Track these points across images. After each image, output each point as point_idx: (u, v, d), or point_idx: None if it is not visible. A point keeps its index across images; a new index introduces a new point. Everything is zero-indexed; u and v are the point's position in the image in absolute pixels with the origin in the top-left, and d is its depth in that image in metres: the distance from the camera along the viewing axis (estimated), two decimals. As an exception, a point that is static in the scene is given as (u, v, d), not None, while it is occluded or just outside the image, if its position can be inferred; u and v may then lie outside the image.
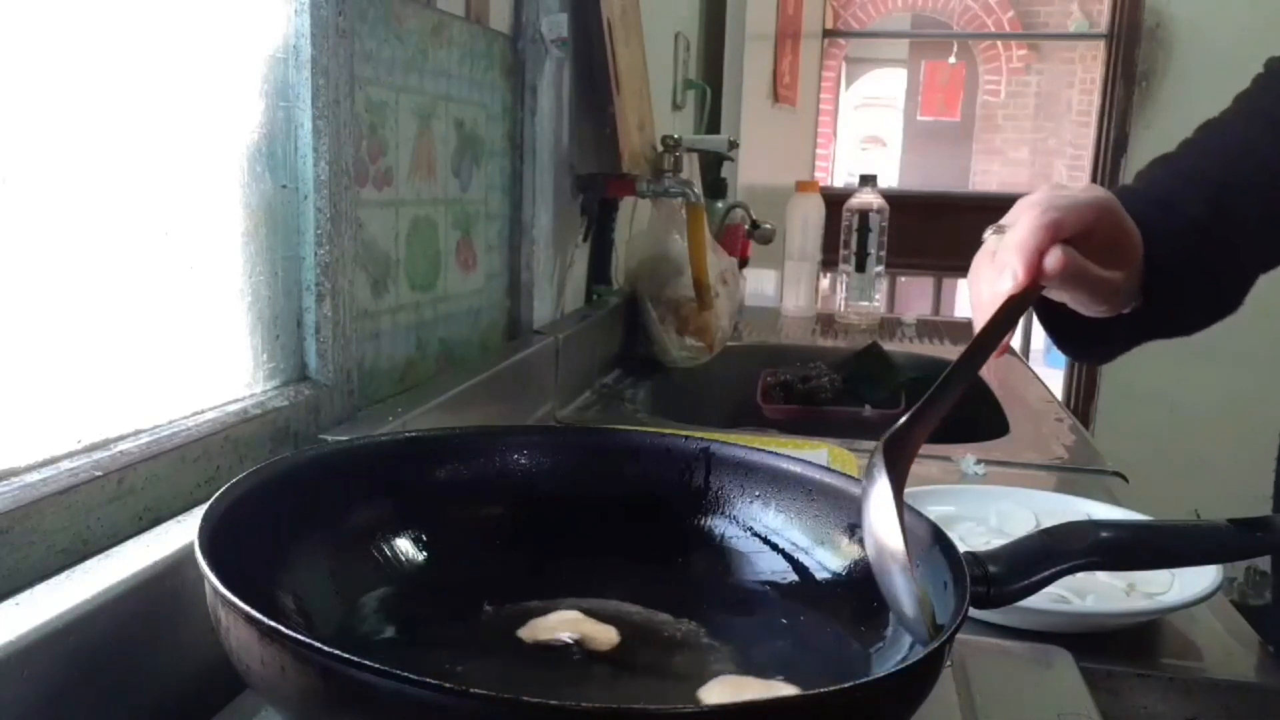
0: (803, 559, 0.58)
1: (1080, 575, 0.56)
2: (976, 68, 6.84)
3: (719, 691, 0.48)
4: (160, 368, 0.59)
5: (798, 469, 0.60)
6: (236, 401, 0.66)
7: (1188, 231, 0.65)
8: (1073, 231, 0.59)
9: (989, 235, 0.62)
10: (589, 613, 0.55)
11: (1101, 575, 0.72)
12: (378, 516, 0.57)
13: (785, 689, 0.47)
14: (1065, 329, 0.69)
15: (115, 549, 0.52)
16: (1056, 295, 0.63)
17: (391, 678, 0.34)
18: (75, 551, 0.50)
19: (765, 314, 2.12)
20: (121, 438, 0.56)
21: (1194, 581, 0.70)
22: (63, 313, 0.52)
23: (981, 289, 0.60)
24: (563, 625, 0.53)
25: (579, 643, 0.52)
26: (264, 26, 0.67)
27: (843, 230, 2.03)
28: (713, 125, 2.22)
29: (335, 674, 0.35)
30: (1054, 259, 0.57)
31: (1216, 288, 0.68)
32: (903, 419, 0.50)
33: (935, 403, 0.51)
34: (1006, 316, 0.57)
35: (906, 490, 0.81)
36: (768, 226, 1.97)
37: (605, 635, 0.52)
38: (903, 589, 0.46)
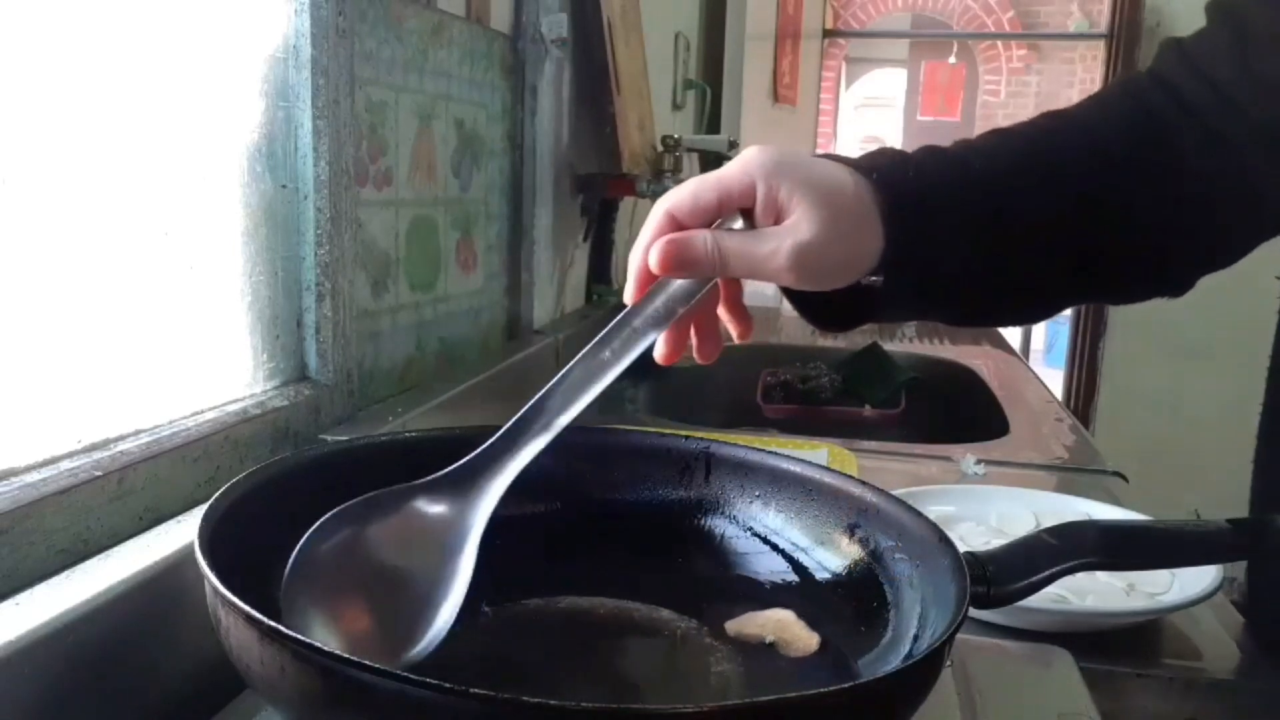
0: (803, 559, 0.58)
1: (1080, 575, 0.56)
2: (976, 68, 6.84)
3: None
4: (160, 368, 0.59)
5: (798, 469, 0.60)
6: (236, 401, 0.66)
7: (951, 185, 0.56)
8: (689, 215, 0.51)
9: None
10: (589, 612, 0.55)
11: (1101, 575, 0.72)
12: (378, 516, 0.57)
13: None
14: (804, 298, 0.58)
15: (115, 549, 0.52)
16: (743, 275, 0.53)
17: (391, 678, 0.34)
18: (75, 551, 0.50)
19: (765, 314, 2.12)
20: (121, 438, 0.56)
21: (1194, 581, 0.70)
22: (63, 313, 0.52)
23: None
24: (769, 625, 0.54)
25: (774, 645, 0.53)
26: (264, 26, 0.67)
27: (843, 230, 2.03)
28: (713, 125, 2.22)
29: (335, 674, 0.35)
30: (654, 257, 0.49)
31: (988, 268, 0.57)
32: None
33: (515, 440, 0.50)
34: (622, 333, 0.50)
35: (907, 490, 0.81)
36: (768, 226, 1.97)
37: (807, 641, 0.53)
38: None
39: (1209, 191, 0.60)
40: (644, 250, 0.50)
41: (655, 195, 1.37)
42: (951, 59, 6.72)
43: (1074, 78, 6.50)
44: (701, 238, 0.50)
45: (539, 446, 0.50)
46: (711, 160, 2.04)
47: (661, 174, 1.42)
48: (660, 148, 1.45)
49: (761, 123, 2.80)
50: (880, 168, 0.54)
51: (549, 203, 1.15)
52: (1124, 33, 3.05)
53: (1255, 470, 0.74)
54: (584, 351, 0.50)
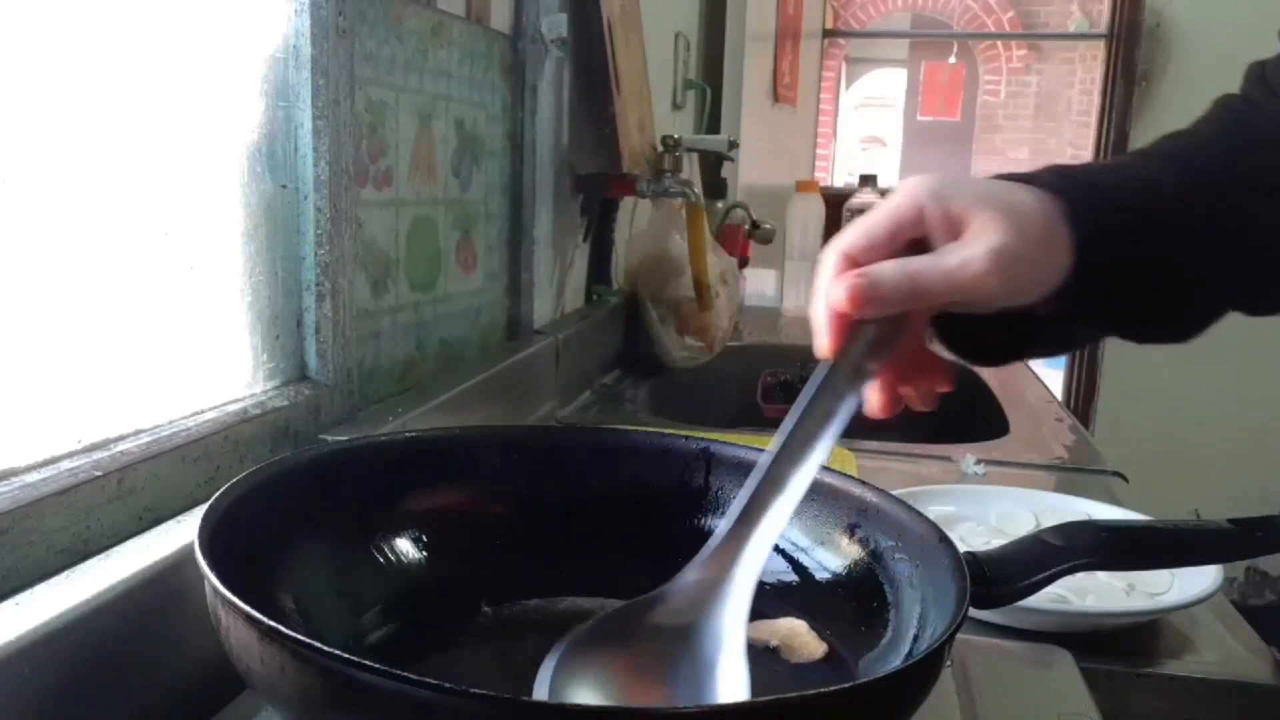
0: (803, 559, 0.58)
1: (1080, 575, 0.56)
2: (976, 68, 6.84)
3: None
4: (160, 368, 0.59)
5: (798, 469, 0.60)
6: (236, 401, 0.66)
7: (1149, 199, 0.52)
8: (865, 252, 0.48)
9: None
10: (589, 612, 0.55)
11: (1101, 575, 0.72)
12: (377, 516, 0.57)
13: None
14: (957, 331, 0.54)
15: (115, 549, 0.52)
16: (939, 306, 0.50)
17: (391, 678, 0.34)
18: (75, 551, 0.50)
19: (765, 314, 2.12)
20: (121, 438, 0.56)
21: (1194, 581, 0.70)
22: (63, 313, 0.52)
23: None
24: (779, 631, 0.54)
25: (778, 649, 0.53)
26: (264, 26, 0.67)
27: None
28: (713, 125, 2.22)
29: (335, 674, 0.35)
30: (839, 294, 0.46)
31: (1181, 277, 0.52)
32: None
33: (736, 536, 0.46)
34: (824, 390, 0.47)
35: (907, 490, 0.81)
36: (768, 226, 1.97)
37: (813, 649, 0.53)
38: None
39: None
40: (827, 303, 0.47)
41: (655, 195, 1.37)
42: (951, 59, 6.72)
43: (1074, 78, 6.50)
44: (887, 266, 0.46)
45: (769, 540, 0.46)
46: (711, 160, 2.04)
47: (661, 174, 1.42)
48: (660, 148, 1.45)
49: (761, 123, 2.80)
50: (1044, 179, 0.50)
51: (549, 203, 1.15)
52: (1124, 33, 3.05)
53: None
54: (789, 426, 0.47)
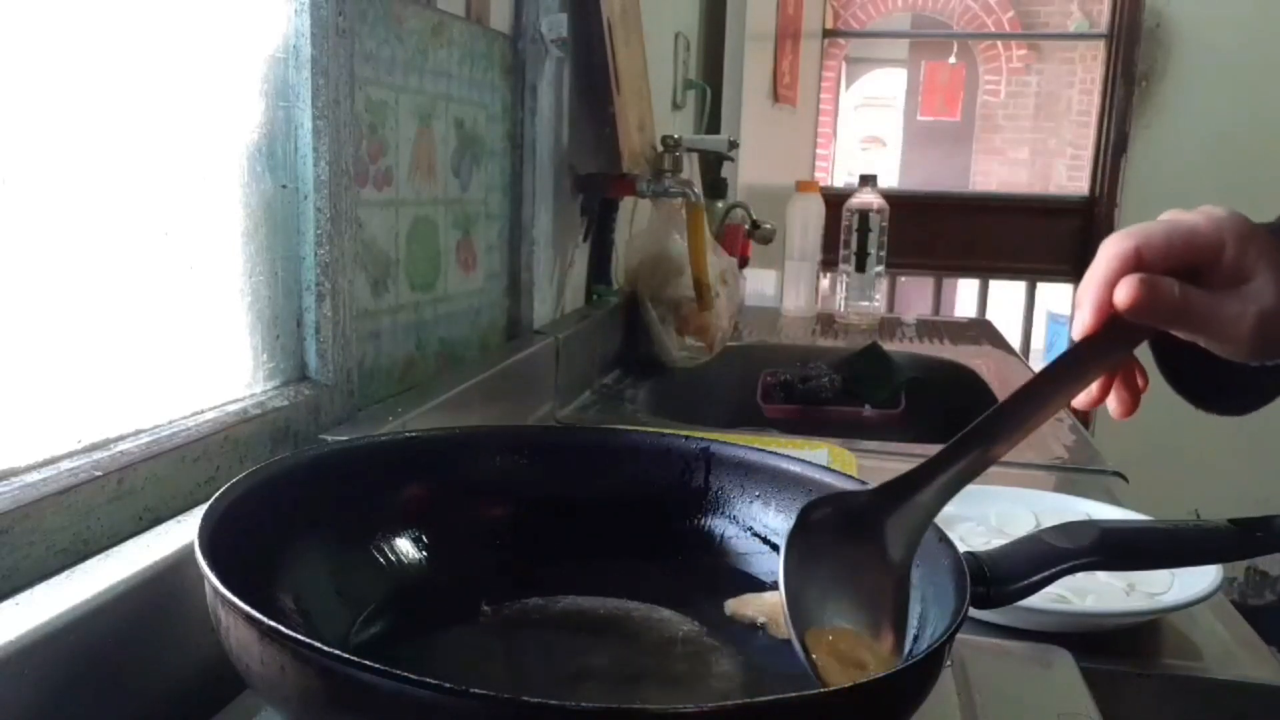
0: (803, 559, 0.58)
1: (1080, 575, 0.56)
2: (976, 68, 6.84)
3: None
4: (160, 368, 0.59)
5: (798, 469, 0.60)
6: (236, 401, 0.66)
7: None
8: (1165, 261, 0.49)
9: None
10: (589, 612, 0.55)
11: (1101, 575, 0.72)
12: (377, 516, 0.57)
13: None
14: (1186, 371, 0.56)
15: (115, 549, 0.52)
16: (1180, 334, 0.52)
17: (391, 678, 0.34)
18: (75, 551, 0.50)
19: (765, 314, 2.12)
20: (121, 438, 0.56)
21: (1194, 581, 0.70)
22: (63, 313, 0.52)
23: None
24: (765, 607, 0.55)
25: (765, 626, 0.54)
26: (264, 26, 0.67)
27: (843, 230, 2.03)
28: (713, 125, 2.22)
29: (335, 674, 0.35)
30: (1123, 294, 0.48)
31: None
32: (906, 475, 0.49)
33: (956, 455, 0.49)
34: (1071, 364, 0.50)
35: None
36: (768, 226, 1.97)
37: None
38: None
39: None
40: (1104, 283, 0.49)
41: (655, 195, 1.37)
42: (951, 59, 6.72)
43: (1074, 78, 6.50)
44: (1171, 284, 0.49)
45: (977, 470, 0.50)
46: (712, 160, 2.04)
47: (661, 174, 1.42)
48: (660, 148, 1.44)
49: (761, 123, 2.79)
50: None
51: (549, 203, 1.15)
52: (1124, 33, 3.05)
53: None
54: (1033, 379, 0.50)
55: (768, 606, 0.55)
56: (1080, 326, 0.50)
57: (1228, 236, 0.50)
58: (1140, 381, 0.53)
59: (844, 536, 0.48)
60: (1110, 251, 0.50)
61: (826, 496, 0.50)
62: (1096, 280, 0.50)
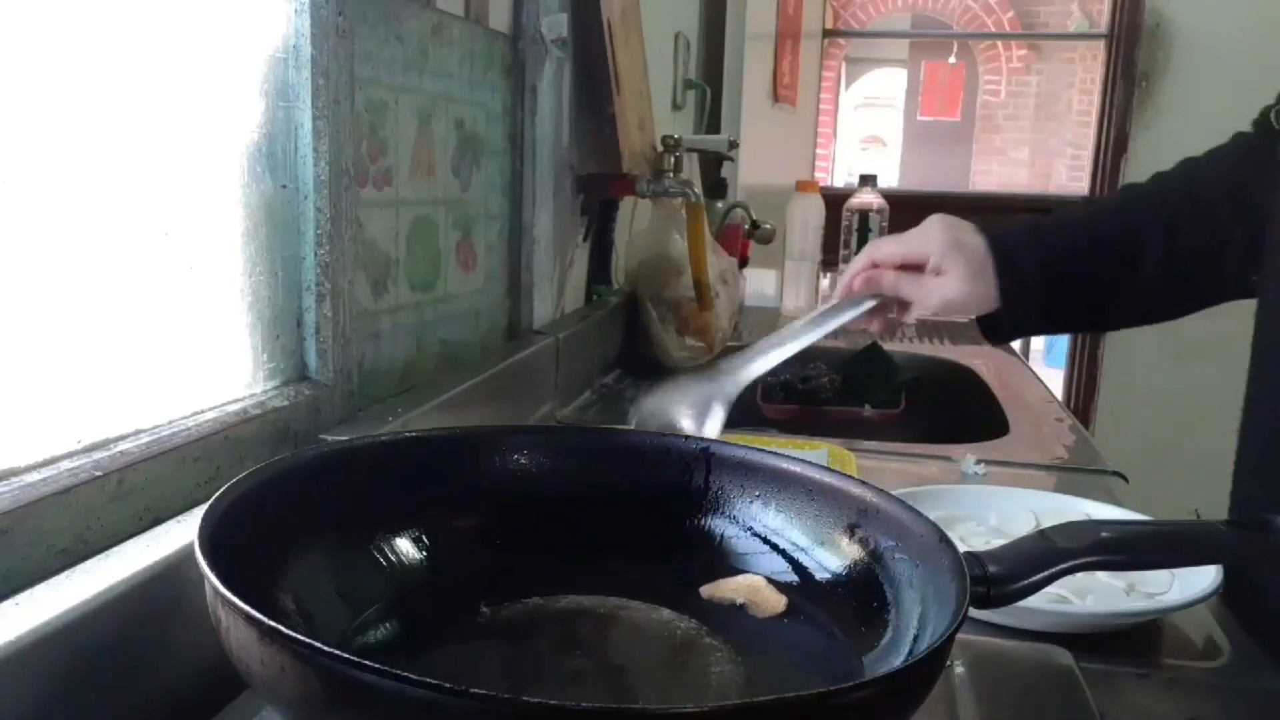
0: (803, 559, 0.58)
1: (1080, 575, 0.56)
2: (976, 68, 6.84)
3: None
4: (160, 368, 0.59)
5: (798, 469, 0.60)
6: (236, 401, 0.66)
7: (1032, 269, 0.87)
8: (886, 261, 0.89)
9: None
10: (589, 612, 0.55)
11: (1101, 575, 0.72)
12: (378, 517, 0.57)
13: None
14: (983, 319, 0.93)
15: (115, 549, 0.52)
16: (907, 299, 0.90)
17: (391, 678, 0.34)
18: (75, 551, 0.50)
19: (765, 314, 2.12)
20: (121, 438, 0.56)
21: (1194, 581, 0.70)
22: (63, 313, 0.52)
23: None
24: (740, 589, 0.57)
25: (744, 606, 0.56)
26: (264, 26, 0.67)
27: (843, 230, 2.03)
28: (713, 125, 2.22)
29: (335, 674, 0.35)
30: (858, 282, 0.89)
31: (1073, 310, 0.91)
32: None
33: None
34: (828, 313, 0.87)
35: (907, 490, 0.81)
36: (768, 226, 1.97)
37: (775, 603, 0.56)
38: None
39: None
40: (851, 274, 0.90)
41: (655, 195, 1.37)
42: (951, 59, 6.72)
43: (1074, 78, 6.50)
44: (888, 276, 0.88)
45: (764, 366, 0.81)
46: (712, 160, 2.04)
47: (661, 174, 1.42)
48: (660, 148, 1.44)
49: (761, 123, 2.80)
50: (998, 238, 0.88)
51: (549, 203, 1.15)
52: (1124, 33, 3.05)
53: (1236, 466, 0.76)
54: (807, 317, 0.85)
55: (744, 588, 0.57)
56: (839, 293, 0.90)
57: (932, 250, 0.86)
58: (897, 313, 0.91)
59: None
60: (860, 255, 0.90)
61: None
62: (849, 272, 0.90)
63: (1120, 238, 0.88)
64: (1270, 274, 0.76)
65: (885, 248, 0.88)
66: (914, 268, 0.87)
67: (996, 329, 0.91)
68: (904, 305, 0.90)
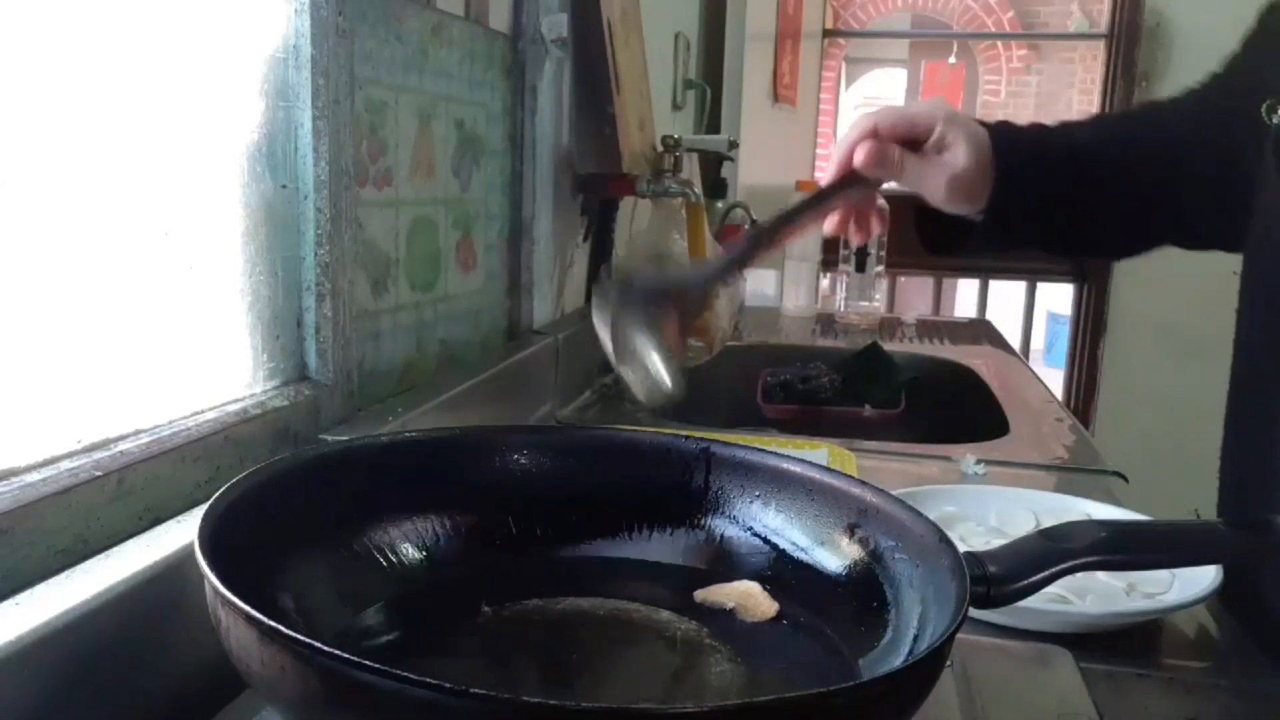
0: (803, 559, 0.58)
1: (1080, 575, 0.56)
2: (976, 68, 6.83)
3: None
4: (160, 368, 0.59)
5: (798, 469, 0.60)
6: (236, 401, 0.66)
7: (1061, 153, 0.78)
8: (891, 132, 0.73)
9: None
10: (589, 612, 0.55)
11: (1101, 575, 0.72)
12: (377, 516, 0.57)
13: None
14: (926, 226, 0.84)
15: (115, 549, 0.52)
16: (894, 181, 0.76)
17: (391, 678, 0.34)
18: (75, 551, 0.50)
19: (765, 314, 2.12)
20: (121, 438, 0.56)
21: (1194, 581, 0.70)
22: (63, 313, 0.52)
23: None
24: (733, 594, 0.57)
25: (734, 610, 0.56)
26: (264, 26, 0.67)
27: (843, 230, 2.03)
28: (713, 125, 2.22)
29: (335, 674, 0.35)
30: (860, 155, 0.72)
31: (1053, 214, 0.80)
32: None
33: (731, 262, 0.68)
34: (820, 196, 0.72)
35: (907, 490, 0.81)
36: (768, 226, 1.97)
37: (766, 608, 0.56)
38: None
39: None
40: (848, 147, 0.72)
41: (655, 195, 1.36)
42: (951, 59, 6.72)
43: (1074, 78, 6.49)
44: (893, 150, 0.73)
45: (745, 264, 0.70)
46: (712, 160, 2.04)
47: (661, 174, 1.42)
48: (660, 148, 1.44)
49: (761, 123, 2.80)
50: (999, 130, 0.77)
51: (549, 203, 1.15)
52: (1124, 33, 3.05)
53: (1223, 461, 0.75)
54: (796, 204, 0.71)
55: (736, 594, 0.57)
56: (827, 175, 0.72)
57: (938, 118, 0.74)
58: (875, 224, 0.80)
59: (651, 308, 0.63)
60: (856, 125, 0.73)
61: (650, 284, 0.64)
62: (843, 145, 0.73)
63: (1118, 158, 0.81)
64: (1251, 266, 0.75)
65: (887, 115, 0.74)
66: (908, 145, 0.75)
67: (956, 234, 0.81)
68: (871, 206, 0.79)
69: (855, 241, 0.78)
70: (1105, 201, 0.80)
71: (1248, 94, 0.75)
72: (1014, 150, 0.76)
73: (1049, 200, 0.79)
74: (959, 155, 0.74)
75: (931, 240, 0.84)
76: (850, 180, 0.71)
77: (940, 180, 0.74)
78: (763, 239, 0.69)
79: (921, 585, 0.50)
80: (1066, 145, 0.79)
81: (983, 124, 0.77)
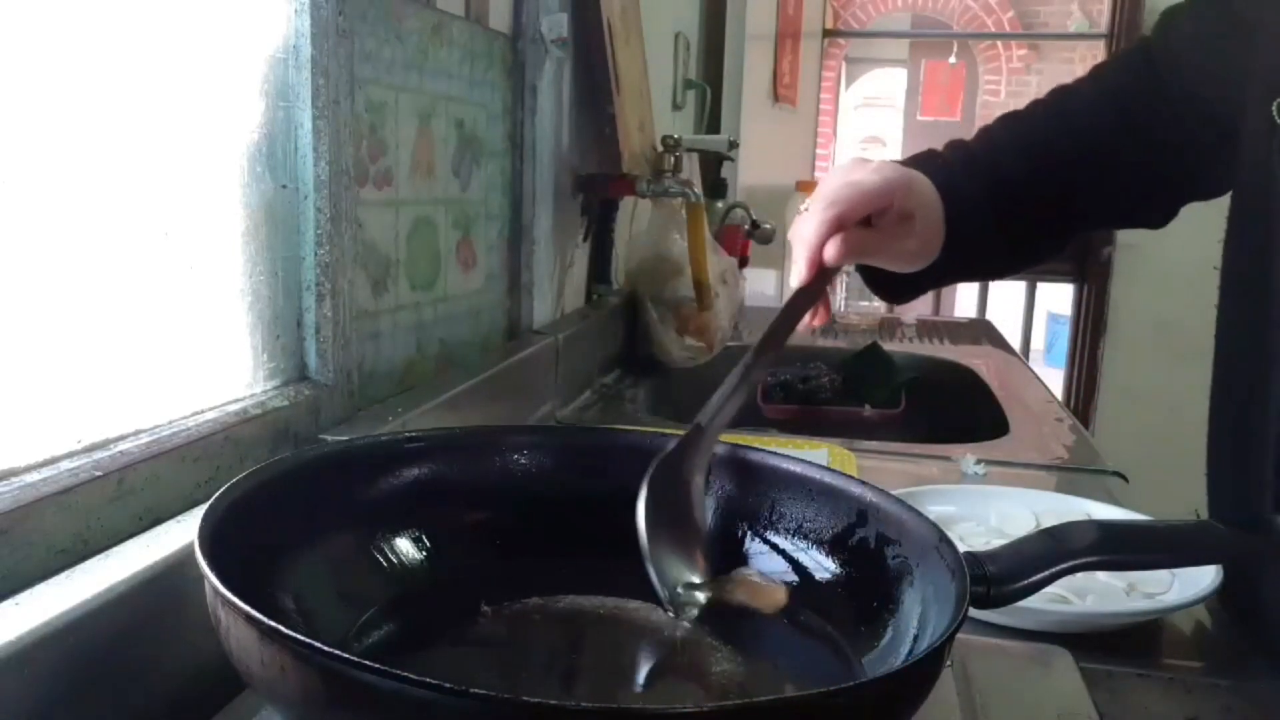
0: (803, 559, 0.58)
1: (1080, 575, 0.56)
2: (976, 68, 6.83)
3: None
4: (160, 368, 0.59)
5: (798, 469, 0.60)
6: (236, 401, 0.66)
7: (999, 190, 0.77)
8: (856, 219, 0.68)
9: (800, 210, 0.70)
10: (589, 612, 0.55)
11: (1101, 575, 0.72)
12: (377, 517, 0.57)
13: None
14: (879, 277, 0.80)
15: (115, 549, 0.52)
16: (865, 263, 0.75)
17: (391, 678, 0.34)
18: (75, 551, 0.50)
19: (765, 314, 2.11)
20: (121, 438, 0.56)
21: (1194, 581, 0.70)
22: (63, 313, 0.52)
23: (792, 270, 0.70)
24: (736, 589, 0.56)
25: (747, 605, 0.55)
26: (264, 26, 0.67)
27: (843, 230, 2.03)
28: (713, 125, 2.22)
29: (335, 674, 0.35)
30: (832, 251, 0.66)
31: (1018, 241, 0.80)
32: (687, 435, 0.60)
33: (724, 403, 0.63)
34: (797, 304, 0.67)
35: (907, 490, 0.81)
36: (768, 226, 1.97)
37: (775, 593, 0.56)
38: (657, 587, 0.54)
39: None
40: (816, 245, 0.66)
41: (655, 195, 1.37)
42: (951, 59, 6.71)
43: (1074, 78, 6.49)
44: (860, 236, 0.68)
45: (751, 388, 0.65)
46: (712, 160, 2.04)
47: (661, 174, 1.42)
48: (660, 148, 1.44)
49: (761, 123, 2.80)
50: (938, 178, 0.75)
51: (549, 203, 1.15)
52: (1124, 33, 3.05)
53: (1209, 463, 0.75)
54: (778, 319, 0.67)
55: (740, 588, 0.56)
56: (799, 277, 0.67)
57: (895, 190, 0.69)
58: (827, 303, 0.72)
59: (668, 491, 0.57)
60: (821, 218, 0.67)
61: (658, 465, 0.57)
62: (810, 243, 0.67)
63: (1058, 170, 0.79)
64: (1231, 255, 0.74)
65: (843, 200, 0.67)
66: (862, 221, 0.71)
67: (910, 282, 0.79)
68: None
69: (817, 324, 0.71)
70: (1041, 217, 0.80)
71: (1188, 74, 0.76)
72: (958, 200, 0.75)
73: (996, 232, 0.78)
74: (921, 231, 0.73)
75: (890, 292, 0.83)
76: (825, 276, 0.67)
77: (903, 248, 0.72)
78: (758, 360, 0.67)
79: (921, 585, 0.50)
80: (994, 173, 0.77)
81: (915, 169, 0.74)
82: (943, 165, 0.77)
